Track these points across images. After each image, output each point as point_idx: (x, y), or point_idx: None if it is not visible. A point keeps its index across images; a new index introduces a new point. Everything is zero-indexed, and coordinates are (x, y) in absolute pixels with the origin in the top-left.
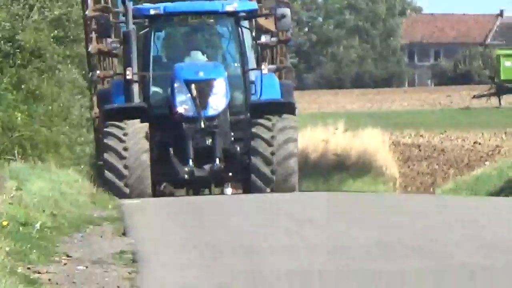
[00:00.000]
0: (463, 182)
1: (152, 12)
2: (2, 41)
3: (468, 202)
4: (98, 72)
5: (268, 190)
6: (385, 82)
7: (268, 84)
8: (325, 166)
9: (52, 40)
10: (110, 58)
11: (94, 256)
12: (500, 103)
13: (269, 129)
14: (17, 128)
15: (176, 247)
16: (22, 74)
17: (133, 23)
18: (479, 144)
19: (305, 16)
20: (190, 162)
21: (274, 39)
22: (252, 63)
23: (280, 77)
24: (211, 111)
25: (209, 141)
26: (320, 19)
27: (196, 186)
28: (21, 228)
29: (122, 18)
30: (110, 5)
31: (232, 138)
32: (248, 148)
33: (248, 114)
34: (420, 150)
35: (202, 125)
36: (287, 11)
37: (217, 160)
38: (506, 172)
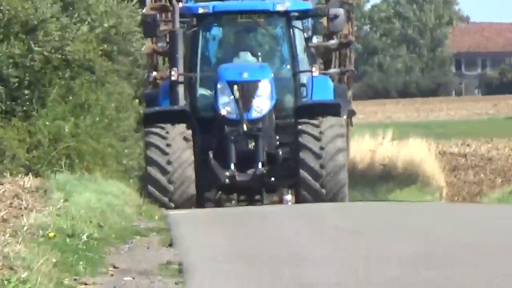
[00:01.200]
0: (510, 192)
1: (200, 11)
2: (51, 53)
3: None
4: (155, 73)
5: (318, 184)
6: (432, 92)
7: (320, 87)
8: (372, 176)
9: (100, 53)
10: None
11: (141, 267)
12: None
13: (317, 126)
14: (64, 139)
15: (222, 258)
16: (70, 86)
17: (182, 22)
18: None
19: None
20: (232, 166)
21: (334, 41)
22: (304, 65)
23: (342, 81)
24: (254, 114)
25: (251, 145)
26: (367, 28)
27: (245, 193)
28: (67, 240)
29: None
30: (169, 3)
31: (278, 142)
32: (295, 148)
33: (294, 117)
34: (466, 160)
35: (245, 128)
36: (340, 11)
37: (260, 165)
38: None
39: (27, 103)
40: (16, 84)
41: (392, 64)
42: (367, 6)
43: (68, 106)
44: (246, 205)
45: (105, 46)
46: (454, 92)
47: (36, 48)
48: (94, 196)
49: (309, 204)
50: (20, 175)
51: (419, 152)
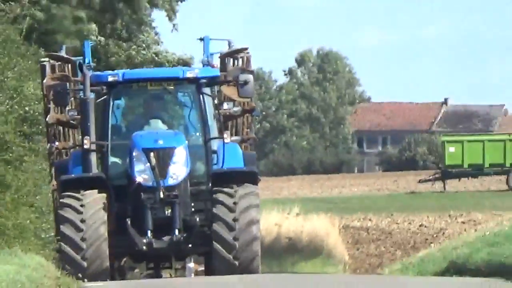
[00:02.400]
0: (410, 263)
1: (110, 79)
2: None
3: (411, 280)
4: (57, 143)
5: (231, 257)
6: (335, 168)
7: (230, 153)
8: (278, 249)
9: (19, 134)
10: (70, 129)
11: None
12: (444, 188)
13: (231, 195)
14: None
15: None
16: None
17: (92, 91)
18: (425, 227)
19: (260, 106)
20: (149, 233)
21: (238, 108)
22: (214, 131)
23: (245, 148)
24: (171, 181)
25: (168, 212)
26: (274, 108)
27: (155, 260)
28: None
29: (81, 86)
30: (70, 73)
31: (193, 209)
32: (210, 217)
33: (210, 184)
34: (368, 233)
35: (162, 195)
36: (250, 77)
37: (177, 231)
38: (450, 253)
39: None
40: None
41: (297, 142)
42: (274, 86)
43: None
44: (154, 273)
45: (24, 127)
46: (356, 169)
47: None
48: (14, 269)
49: (218, 276)
50: None
51: (323, 226)
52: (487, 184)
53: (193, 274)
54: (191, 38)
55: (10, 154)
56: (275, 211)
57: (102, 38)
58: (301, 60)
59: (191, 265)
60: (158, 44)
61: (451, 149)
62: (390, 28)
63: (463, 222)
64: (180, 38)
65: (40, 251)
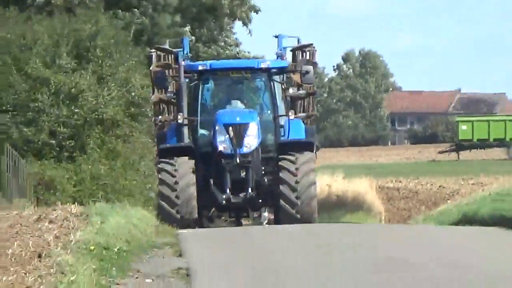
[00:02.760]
0: (431, 216)
1: (200, 68)
2: (89, 114)
3: (432, 229)
4: (160, 117)
5: (294, 212)
6: (373, 142)
7: (295, 128)
8: (329, 204)
9: (127, 114)
10: (171, 106)
11: (158, 271)
12: (458, 157)
13: (293, 162)
14: (101, 178)
15: (220, 266)
16: (104, 138)
17: (185, 77)
18: (443, 187)
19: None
20: (228, 191)
21: (303, 92)
22: (282, 110)
23: (310, 123)
24: (245, 149)
25: (243, 174)
26: (325, 95)
27: (235, 211)
28: (104, 251)
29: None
30: (172, 62)
31: (263, 172)
32: (276, 180)
33: (276, 153)
34: (399, 192)
35: (238, 161)
36: (310, 68)
37: (250, 190)
38: (463, 208)
39: (71, 150)
40: (63, 137)
41: (343, 122)
42: (326, 79)
43: (103, 153)
44: (236, 221)
45: (131, 109)
46: (389, 142)
47: (76, 111)
48: (123, 220)
49: (284, 225)
50: (68, 204)
51: (364, 187)
52: (492, 154)
53: (267, 221)
54: (263, 40)
55: (120, 130)
56: (326, 175)
57: (193, 37)
58: (346, 58)
59: (266, 214)
60: (237, 46)
61: (464, 127)
62: (418, 32)
63: (473, 184)
64: (254, 40)
65: (144, 206)
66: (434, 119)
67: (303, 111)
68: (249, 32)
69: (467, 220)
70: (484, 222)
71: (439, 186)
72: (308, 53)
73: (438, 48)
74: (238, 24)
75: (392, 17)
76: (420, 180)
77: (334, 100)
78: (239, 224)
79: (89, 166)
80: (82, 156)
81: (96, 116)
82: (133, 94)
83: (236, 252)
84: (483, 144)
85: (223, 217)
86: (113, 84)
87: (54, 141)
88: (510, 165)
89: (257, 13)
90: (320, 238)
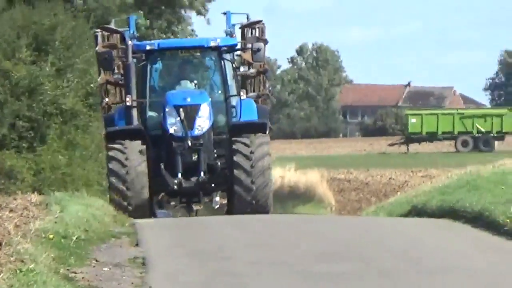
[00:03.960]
0: (381, 207)
1: (148, 47)
2: (48, 105)
3: (381, 221)
4: (107, 99)
5: (249, 197)
6: (325, 134)
7: (246, 108)
8: (282, 195)
9: (86, 105)
10: (118, 88)
11: (115, 260)
12: (407, 150)
13: (247, 145)
14: (60, 168)
15: (174, 254)
16: (64, 129)
17: (133, 57)
18: (393, 179)
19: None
20: (179, 175)
21: (253, 70)
22: (233, 90)
23: (261, 102)
24: (196, 132)
25: (195, 157)
26: (278, 86)
27: (186, 196)
28: (62, 240)
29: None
30: (118, 43)
31: (215, 155)
32: (230, 163)
33: (228, 135)
34: (350, 184)
35: (189, 144)
36: (261, 45)
37: (202, 173)
38: (412, 200)
39: (31, 141)
40: (23, 128)
41: (296, 113)
42: (279, 71)
43: (62, 143)
44: (186, 206)
45: (90, 99)
46: (341, 135)
47: (34, 106)
48: (81, 209)
49: (239, 215)
50: (28, 193)
51: (316, 178)
52: (440, 147)
53: (218, 206)
54: (219, 34)
55: (79, 121)
56: (279, 167)
57: (148, 21)
58: (300, 51)
59: (217, 198)
60: (193, 36)
61: (413, 120)
62: (369, 26)
63: (422, 176)
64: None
65: (101, 195)
66: (384, 112)
67: (253, 91)
68: (208, 21)
69: (417, 211)
70: (433, 214)
71: (389, 178)
72: (257, 30)
73: (390, 42)
74: (195, 16)
75: (345, 10)
76: (371, 172)
77: (287, 92)
78: (189, 209)
79: (49, 156)
80: (41, 147)
81: (55, 108)
82: (91, 85)
83: (192, 241)
84: (432, 137)
85: (173, 202)
86: (72, 75)
87: (14, 133)
88: (458, 157)
89: (210, 1)
90: (270, 228)
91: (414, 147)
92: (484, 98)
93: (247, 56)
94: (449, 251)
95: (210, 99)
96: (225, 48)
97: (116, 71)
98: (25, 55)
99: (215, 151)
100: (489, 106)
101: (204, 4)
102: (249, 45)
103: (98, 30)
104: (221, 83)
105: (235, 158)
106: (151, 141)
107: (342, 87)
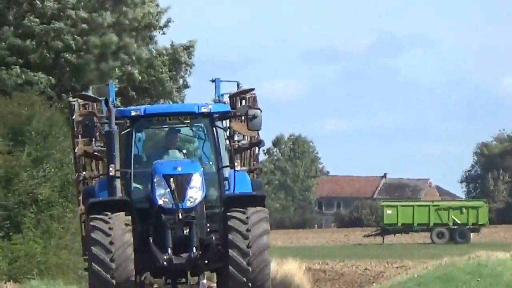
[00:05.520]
0: None
1: (133, 113)
2: (24, 195)
3: None
4: (84, 172)
5: (245, 280)
6: (300, 225)
7: (240, 180)
8: None
9: (59, 195)
10: (96, 162)
11: None
12: (383, 241)
13: (244, 222)
14: (35, 256)
15: None
16: (39, 218)
17: (116, 124)
18: (368, 270)
19: None
20: (169, 251)
21: (246, 141)
22: (226, 161)
23: (252, 177)
24: (188, 203)
25: (186, 231)
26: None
27: (173, 275)
28: None
29: (107, 120)
30: (95, 110)
31: (208, 229)
32: (224, 240)
33: (222, 208)
34: (326, 274)
35: (180, 216)
36: (258, 112)
37: (194, 249)
38: None
39: (7, 230)
40: None
41: (272, 204)
42: None
43: (38, 232)
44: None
45: (66, 190)
46: (316, 226)
47: (10, 195)
48: None
49: None
50: (3, 282)
51: (292, 268)
52: (416, 238)
53: None
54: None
55: (55, 211)
56: None
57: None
58: (276, 142)
59: (204, 281)
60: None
61: (389, 211)
62: (345, 118)
63: (398, 267)
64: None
65: (77, 284)
66: (360, 203)
67: (244, 165)
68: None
69: None
70: None
71: (365, 269)
72: (249, 99)
73: (366, 134)
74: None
75: (321, 102)
76: (346, 262)
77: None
78: None
79: (24, 245)
80: (17, 235)
81: (31, 198)
82: (67, 175)
83: None
84: (407, 228)
85: (155, 285)
86: (48, 166)
87: None
88: (434, 248)
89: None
90: None
91: (389, 238)
92: (459, 191)
93: (238, 126)
94: None
95: (202, 169)
96: (217, 114)
97: (97, 139)
98: (1, 145)
99: (208, 225)
100: (465, 198)
101: (181, 93)
102: (244, 112)
103: (74, 98)
104: (213, 152)
105: (230, 236)
106: (138, 214)
107: (318, 178)
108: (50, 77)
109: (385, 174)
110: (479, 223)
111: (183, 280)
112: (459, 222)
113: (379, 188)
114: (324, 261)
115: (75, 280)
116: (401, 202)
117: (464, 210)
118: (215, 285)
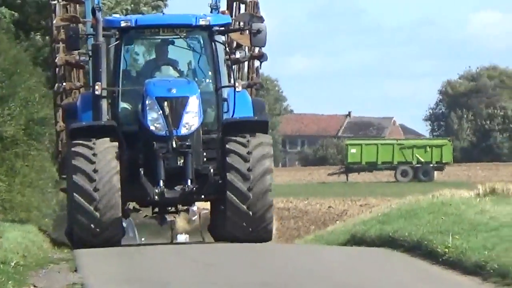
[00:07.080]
0: (320, 236)
1: (123, 24)
2: None
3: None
4: (64, 84)
5: (245, 207)
6: None
7: (240, 101)
8: None
9: (24, 133)
10: (77, 70)
11: (53, 286)
12: (347, 179)
13: (244, 145)
14: (0, 194)
15: (114, 281)
16: (4, 156)
17: (103, 36)
18: (332, 208)
19: None
20: (161, 183)
21: (246, 53)
22: (225, 79)
23: (250, 93)
24: (183, 130)
25: (181, 162)
26: None
27: (164, 207)
28: (1, 265)
29: (91, 30)
30: (78, 15)
31: (205, 159)
32: (222, 167)
33: (220, 134)
34: (289, 212)
35: (174, 145)
36: (262, 26)
37: (189, 182)
38: (351, 229)
39: None
40: None
41: None
42: None
43: (3, 170)
44: (159, 216)
45: (31, 128)
46: (280, 164)
47: None
48: (20, 235)
49: (194, 244)
50: None
51: None
52: (380, 177)
53: (196, 217)
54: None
55: (19, 149)
56: None
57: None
58: None
59: (195, 208)
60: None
61: (353, 150)
62: (310, 57)
63: (361, 205)
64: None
65: (41, 222)
66: (324, 141)
67: (241, 79)
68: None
69: (356, 240)
70: (372, 243)
71: (328, 207)
72: (249, 5)
73: (332, 72)
74: None
75: (287, 41)
76: (310, 200)
77: None
78: (163, 220)
79: None
80: None
81: None
82: (32, 113)
83: (131, 269)
84: (371, 166)
85: (141, 211)
86: (13, 104)
87: None
88: (398, 187)
89: None
90: (210, 257)
91: (353, 176)
92: (424, 129)
93: (237, 36)
94: (388, 281)
95: (199, 90)
96: (217, 27)
97: (78, 52)
98: None
99: (205, 153)
100: (429, 137)
101: None
102: (248, 25)
103: None
104: (212, 70)
105: (228, 159)
106: (126, 139)
107: (282, 116)
108: (14, 12)
109: (349, 112)
110: (443, 161)
111: (173, 209)
112: (423, 160)
113: (343, 127)
114: (288, 199)
115: (39, 218)
116: (365, 141)
117: (428, 148)
118: (208, 210)
